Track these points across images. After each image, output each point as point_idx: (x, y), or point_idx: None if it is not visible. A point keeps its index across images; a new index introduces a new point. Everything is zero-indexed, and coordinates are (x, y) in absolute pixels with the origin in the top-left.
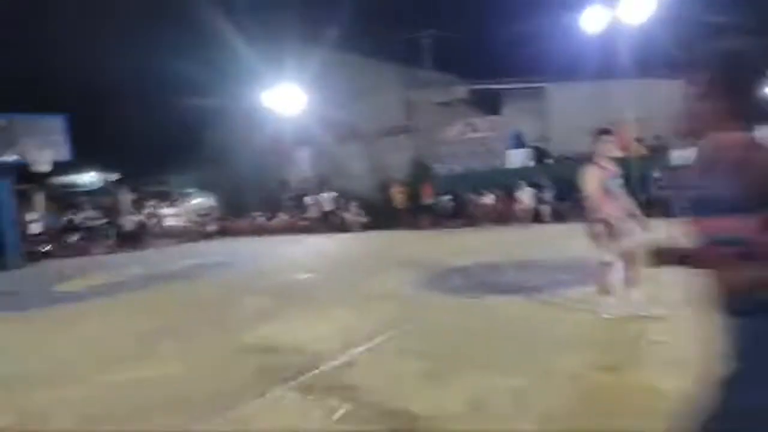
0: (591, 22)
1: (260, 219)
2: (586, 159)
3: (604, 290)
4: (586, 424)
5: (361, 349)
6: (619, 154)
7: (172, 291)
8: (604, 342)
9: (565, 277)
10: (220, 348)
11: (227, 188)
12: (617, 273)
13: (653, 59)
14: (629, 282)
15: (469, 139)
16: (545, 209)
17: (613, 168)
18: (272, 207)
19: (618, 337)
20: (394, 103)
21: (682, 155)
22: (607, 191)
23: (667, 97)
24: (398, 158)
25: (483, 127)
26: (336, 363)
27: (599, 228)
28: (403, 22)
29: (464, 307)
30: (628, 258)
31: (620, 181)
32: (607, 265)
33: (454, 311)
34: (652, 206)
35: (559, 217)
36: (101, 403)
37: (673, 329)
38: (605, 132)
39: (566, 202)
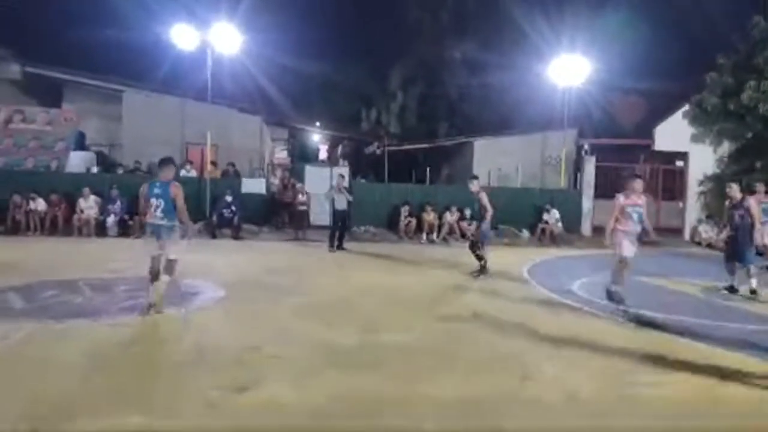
0: (181, 38)
1: None
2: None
3: None
4: None
5: None
6: (194, 174)
7: None
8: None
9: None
10: None
11: None
12: None
13: (239, 91)
14: None
15: (17, 130)
16: (112, 221)
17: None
18: None
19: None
20: None
21: (252, 184)
22: None
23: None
24: None
25: (39, 119)
26: None
27: None
28: None
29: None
30: None
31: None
32: None
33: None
34: (222, 226)
35: (126, 230)
36: None
37: None
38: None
39: (135, 215)
